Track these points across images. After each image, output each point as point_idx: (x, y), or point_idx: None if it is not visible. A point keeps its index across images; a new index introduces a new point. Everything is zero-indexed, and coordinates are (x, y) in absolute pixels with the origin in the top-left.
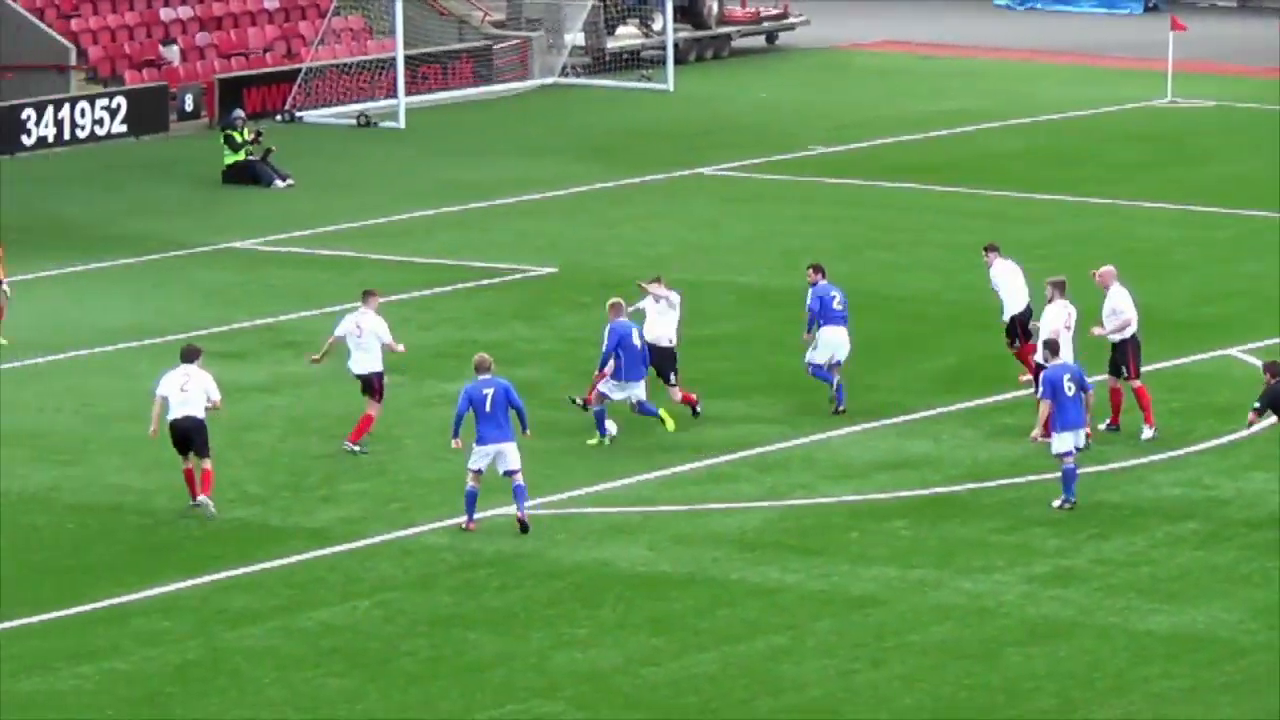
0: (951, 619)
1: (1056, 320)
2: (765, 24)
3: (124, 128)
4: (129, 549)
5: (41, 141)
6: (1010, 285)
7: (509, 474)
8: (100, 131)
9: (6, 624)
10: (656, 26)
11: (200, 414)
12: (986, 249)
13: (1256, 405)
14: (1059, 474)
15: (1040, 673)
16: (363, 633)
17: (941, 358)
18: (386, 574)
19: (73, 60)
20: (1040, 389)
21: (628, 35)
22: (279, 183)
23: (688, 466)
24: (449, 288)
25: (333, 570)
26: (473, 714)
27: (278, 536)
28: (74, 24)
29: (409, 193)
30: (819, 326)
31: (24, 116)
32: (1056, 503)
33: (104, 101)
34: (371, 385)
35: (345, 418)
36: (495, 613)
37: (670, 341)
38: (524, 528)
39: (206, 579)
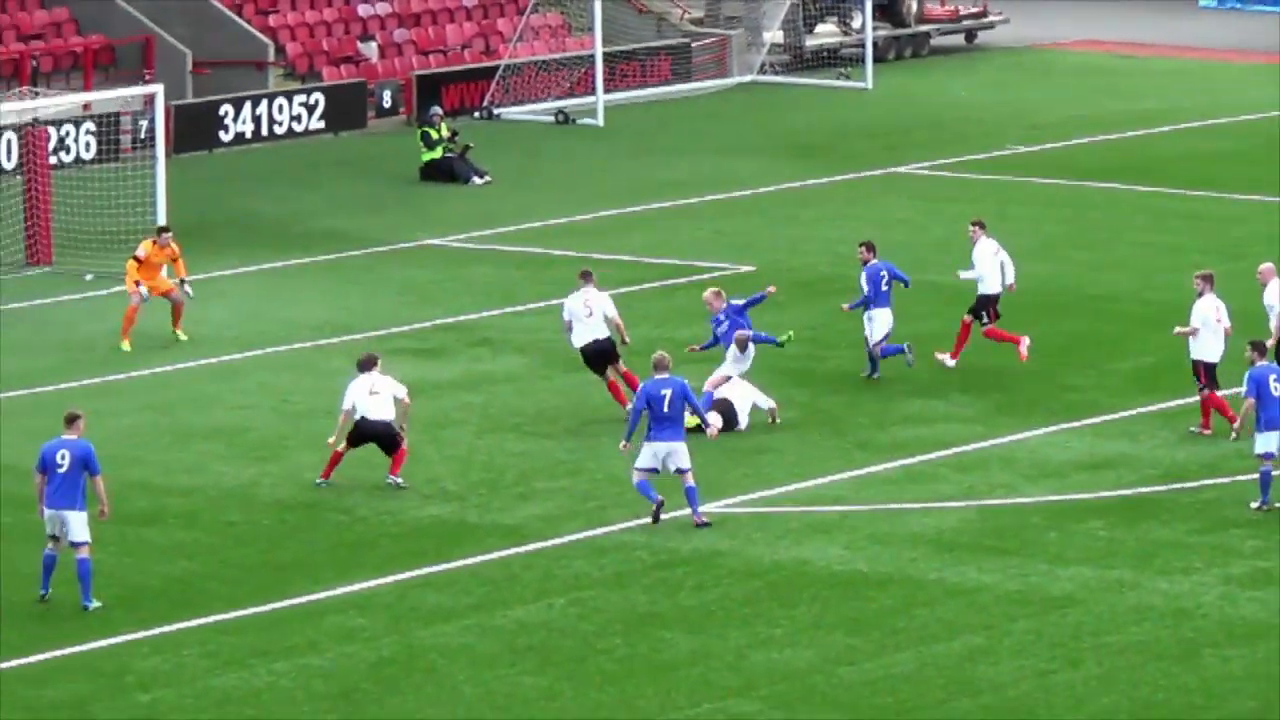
0: (1149, 620)
1: (1207, 314)
2: (964, 22)
3: (322, 124)
4: (325, 546)
5: (239, 138)
6: (990, 265)
7: (680, 472)
8: (298, 128)
9: (203, 620)
10: (855, 24)
11: (390, 416)
12: (973, 224)
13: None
14: (1257, 475)
15: (1238, 674)
16: (558, 631)
17: (1139, 357)
18: (582, 572)
19: (271, 57)
20: (1245, 387)
21: (827, 33)
22: (476, 180)
23: (885, 466)
24: (646, 286)
25: (528, 568)
26: (668, 713)
27: (474, 534)
28: (273, 20)
29: (606, 190)
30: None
31: (222, 113)
32: (1255, 504)
33: (302, 98)
34: (606, 354)
35: (542, 414)
36: (691, 611)
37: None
38: (702, 525)
39: (402, 576)
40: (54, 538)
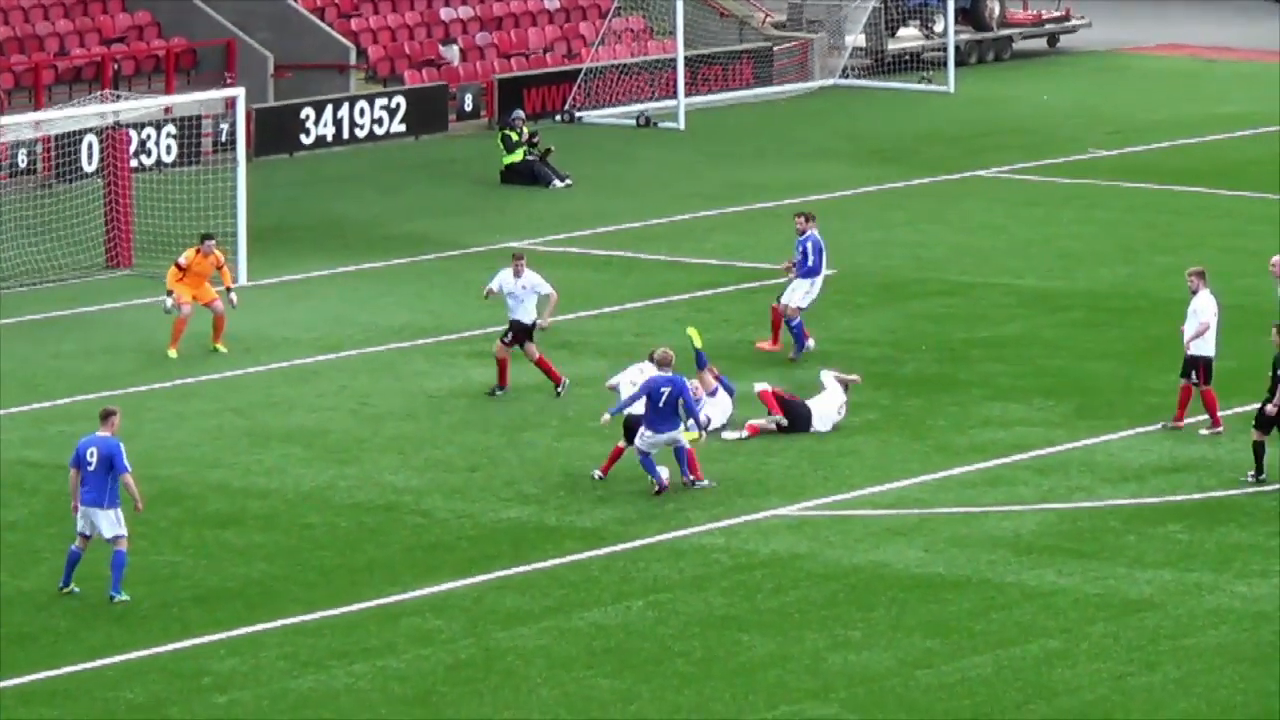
0: (1227, 623)
1: (1209, 309)
2: (1047, 26)
3: (403, 127)
4: (403, 548)
5: (320, 141)
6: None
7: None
8: (379, 131)
9: (281, 622)
10: (938, 28)
11: None
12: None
13: None
14: None
15: None
16: (635, 633)
17: (1219, 361)
18: (660, 574)
19: (352, 60)
20: None
21: (909, 37)
22: (557, 183)
23: (965, 469)
24: (727, 289)
25: (606, 571)
26: (745, 716)
27: (552, 536)
28: (354, 24)
29: (688, 194)
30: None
31: (303, 116)
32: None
33: (383, 101)
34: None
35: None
36: (769, 614)
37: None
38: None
39: (480, 578)
40: (83, 535)
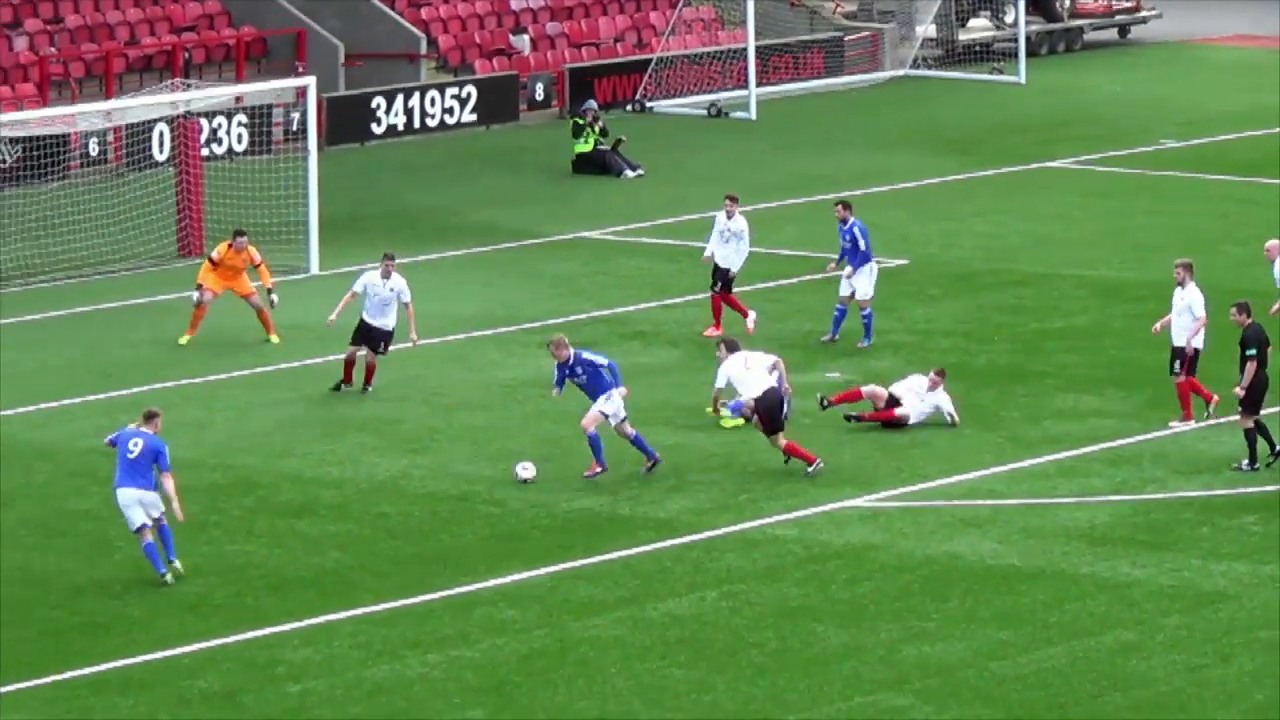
0: None
1: (1198, 301)
2: (1117, 17)
3: (474, 117)
4: (476, 538)
5: (391, 130)
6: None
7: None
8: (450, 120)
9: (354, 611)
10: (1009, 19)
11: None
12: (728, 197)
13: (1252, 352)
14: None
15: None
16: (709, 624)
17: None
18: (734, 565)
19: (423, 49)
20: None
21: (979, 28)
22: (629, 173)
23: (1038, 460)
24: (799, 279)
25: (679, 561)
26: (819, 706)
27: (625, 526)
28: (425, 13)
29: (759, 184)
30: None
31: (374, 105)
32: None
33: (454, 90)
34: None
35: (694, 408)
36: (843, 605)
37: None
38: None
39: (553, 568)
40: (143, 526)
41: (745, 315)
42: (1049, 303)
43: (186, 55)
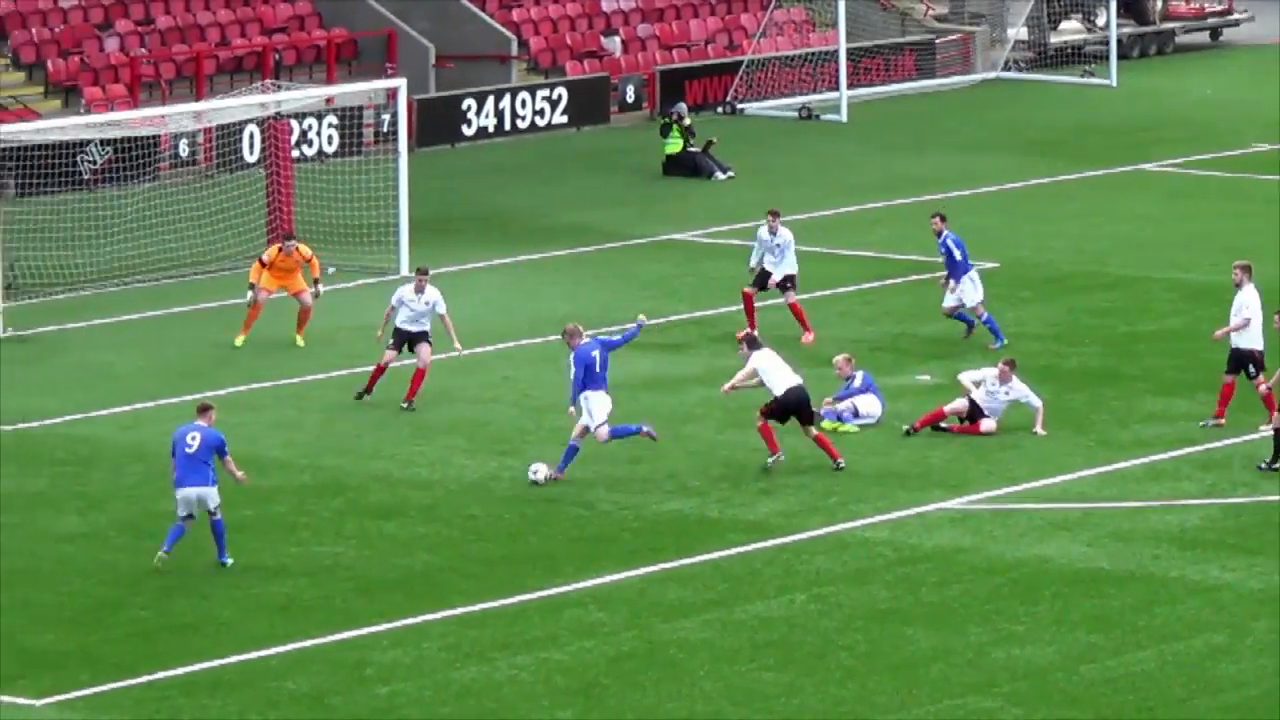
0: None
1: (1253, 303)
2: (1209, 20)
3: (564, 118)
4: (565, 540)
5: (482, 132)
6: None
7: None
8: (540, 122)
9: (444, 613)
10: (1100, 21)
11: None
12: (770, 212)
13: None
14: None
15: None
16: (799, 626)
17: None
18: (823, 567)
19: (514, 51)
20: None
21: (1071, 30)
22: (719, 174)
23: (1128, 463)
24: (889, 281)
25: (769, 563)
26: (908, 709)
27: (715, 529)
28: (515, 14)
29: (850, 186)
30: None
31: (465, 107)
32: None
33: (545, 92)
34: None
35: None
36: (933, 608)
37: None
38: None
39: (642, 571)
40: (188, 517)
41: (807, 331)
42: (1140, 305)
43: (277, 57)
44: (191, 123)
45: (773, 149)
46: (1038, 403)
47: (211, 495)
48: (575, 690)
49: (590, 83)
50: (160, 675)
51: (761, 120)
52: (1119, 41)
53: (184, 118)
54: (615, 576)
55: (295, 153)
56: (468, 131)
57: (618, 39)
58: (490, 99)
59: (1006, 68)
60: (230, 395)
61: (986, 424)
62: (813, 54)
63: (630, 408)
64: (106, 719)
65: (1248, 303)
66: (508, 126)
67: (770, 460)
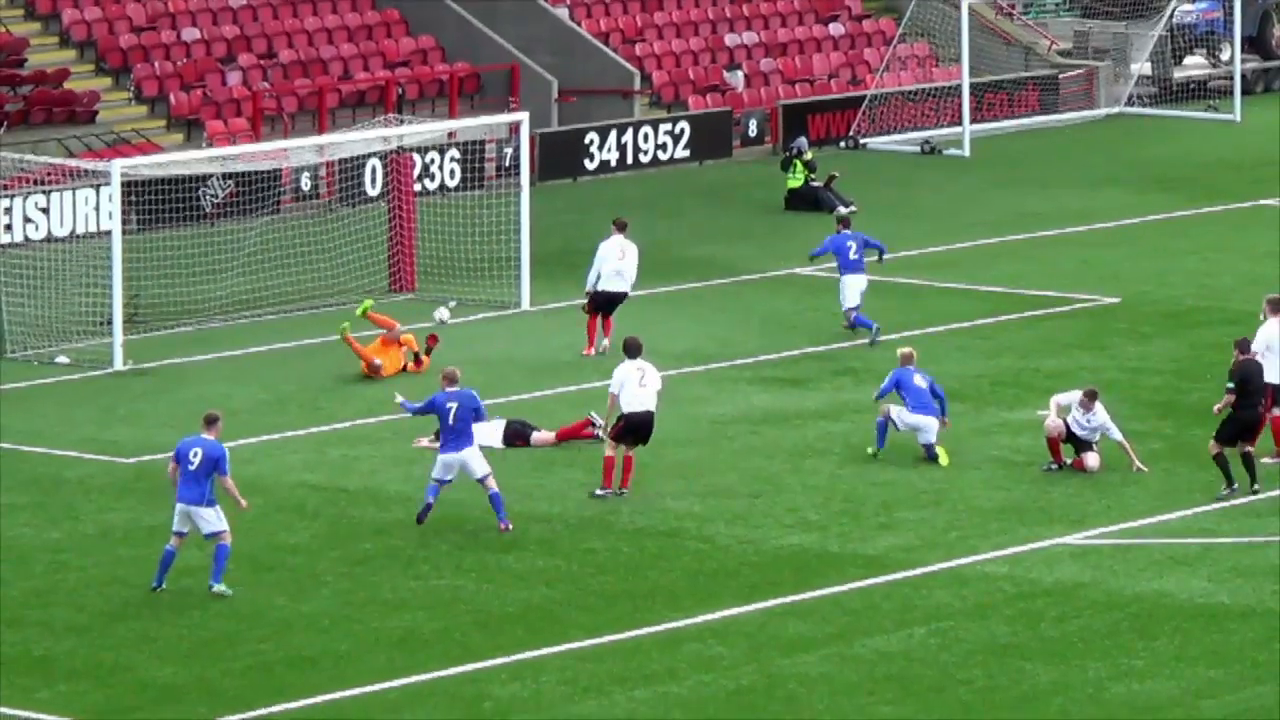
0: None
1: (1272, 338)
2: None
3: (687, 152)
4: (685, 574)
5: (604, 166)
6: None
7: (480, 480)
8: (663, 156)
9: (562, 647)
10: (1224, 56)
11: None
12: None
13: (1230, 385)
14: None
15: None
16: (917, 660)
17: None
18: (943, 602)
19: (637, 85)
20: None
21: (1195, 65)
22: (841, 209)
23: (1249, 499)
24: (1011, 316)
25: (888, 598)
26: None
27: (835, 563)
28: (639, 49)
29: (972, 221)
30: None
31: (587, 140)
32: None
33: (667, 126)
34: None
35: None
36: (1052, 642)
37: None
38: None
39: (762, 605)
40: (179, 534)
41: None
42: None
43: (400, 91)
44: (313, 156)
45: (895, 183)
46: (1118, 435)
47: (204, 516)
48: None
49: (712, 117)
50: (278, 708)
51: (883, 155)
52: (1243, 76)
53: (306, 151)
54: (734, 610)
55: (417, 186)
56: (590, 165)
57: (740, 73)
58: (613, 133)
59: (1130, 103)
60: (350, 429)
61: (1090, 460)
62: (936, 89)
63: (750, 441)
64: None
65: (1272, 337)
66: (630, 160)
67: (600, 492)
